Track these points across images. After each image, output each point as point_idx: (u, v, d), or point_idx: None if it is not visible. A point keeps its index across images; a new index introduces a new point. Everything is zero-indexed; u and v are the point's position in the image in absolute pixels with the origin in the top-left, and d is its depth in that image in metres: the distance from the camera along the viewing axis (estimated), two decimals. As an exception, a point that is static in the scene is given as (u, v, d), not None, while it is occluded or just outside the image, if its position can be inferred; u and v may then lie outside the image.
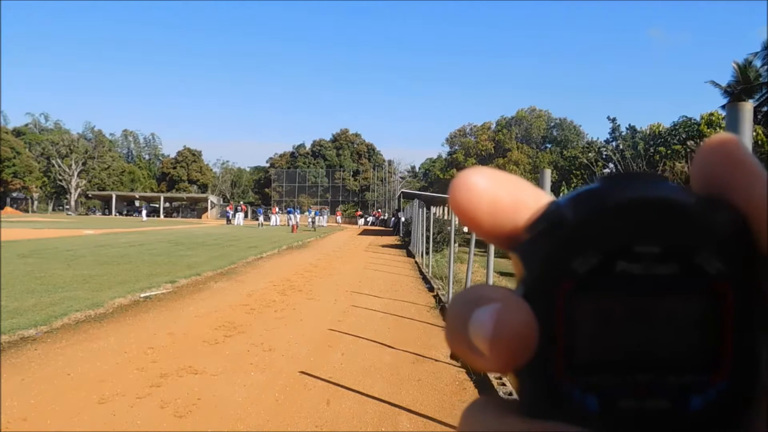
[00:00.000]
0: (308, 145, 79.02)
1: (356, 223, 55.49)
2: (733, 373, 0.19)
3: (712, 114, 30.54)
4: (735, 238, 0.19)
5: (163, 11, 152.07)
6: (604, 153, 45.87)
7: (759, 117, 23.56)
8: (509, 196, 0.21)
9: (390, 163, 78.36)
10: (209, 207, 65.44)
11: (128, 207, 66.05)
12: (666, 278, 0.19)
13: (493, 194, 0.21)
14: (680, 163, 22.14)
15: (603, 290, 0.19)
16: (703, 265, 0.19)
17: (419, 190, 49.50)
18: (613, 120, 47.35)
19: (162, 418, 3.76)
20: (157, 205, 67.65)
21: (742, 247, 0.19)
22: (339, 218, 57.86)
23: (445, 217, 21.04)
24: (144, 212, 52.11)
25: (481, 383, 4.69)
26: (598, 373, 0.19)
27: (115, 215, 59.60)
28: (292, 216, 37.31)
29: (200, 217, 62.67)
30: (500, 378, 4.64)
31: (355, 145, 77.53)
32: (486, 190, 0.21)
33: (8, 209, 58.34)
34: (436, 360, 5.38)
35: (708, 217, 0.19)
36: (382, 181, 75.13)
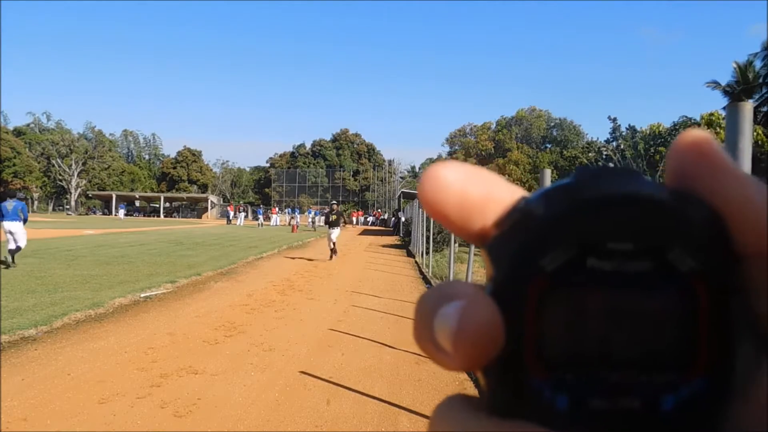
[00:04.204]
0: (308, 145, 79.17)
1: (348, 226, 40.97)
2: (708, 371, 0.18)
3: (712, 114, 30.51)
4: (709, 235, 0.18)
5: (164, 11, 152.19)
6: (605, 153, 45.87)
7: (759, 117, 23.58)
8: (479, 191, 0.20)
9: (390, 163, 78.45)
10: (209, 207, 65.45)
11: (128, 207, 66.05)
12: (639, 275, 0.18)
13: (461, 188, 0.20)
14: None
15: (573, 287, 0.18)
16: (676, 262, 0.18)
17: (419, 190, 49.31)
18: (614, 120, 47.40)
19: (162, 418, 3.76)
20: (157, 205, 67.65)
21: (717, 244, 0.18)
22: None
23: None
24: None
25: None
26: (569, 371, 0.18)
27: (115, 215, 59.57)
28: (292, 216, 37.36)
29: (200, 217, 62.66)
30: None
31: (355, 145, 77.63)
32: (454, 183, 0.20)
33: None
34: (436, 360, 5.37)
35: (682, 214, 0.18)
36: (382, 181, 75.20)
